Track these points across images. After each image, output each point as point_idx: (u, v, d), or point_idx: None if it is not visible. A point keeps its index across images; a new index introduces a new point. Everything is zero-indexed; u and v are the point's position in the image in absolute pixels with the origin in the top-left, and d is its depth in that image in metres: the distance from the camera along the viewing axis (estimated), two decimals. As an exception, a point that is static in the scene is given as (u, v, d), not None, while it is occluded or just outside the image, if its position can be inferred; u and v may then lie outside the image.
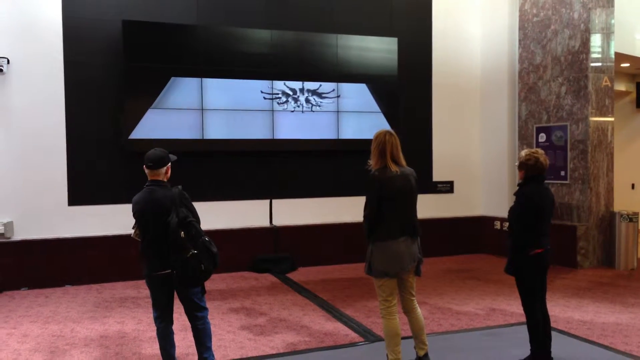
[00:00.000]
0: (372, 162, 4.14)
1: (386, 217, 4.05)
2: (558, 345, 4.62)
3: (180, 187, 4.02)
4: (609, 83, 8.42)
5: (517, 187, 4.42)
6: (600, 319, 5.74)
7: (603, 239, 8.46)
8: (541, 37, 8.91)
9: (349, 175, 8.82)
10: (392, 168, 4.04)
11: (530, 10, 9.07)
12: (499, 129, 9.69)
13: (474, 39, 9.96)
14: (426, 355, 4.22)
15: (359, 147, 8.31)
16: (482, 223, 9.87)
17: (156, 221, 3.90)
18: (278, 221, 8.73)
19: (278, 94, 8.48)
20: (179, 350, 4.68)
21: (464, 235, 9.76)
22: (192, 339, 4.25)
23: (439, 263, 8.83)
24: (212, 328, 4.39)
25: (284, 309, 6.26)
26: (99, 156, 7.82)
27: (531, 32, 9.06)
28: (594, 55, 8.31)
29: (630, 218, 8.26)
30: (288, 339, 5.17)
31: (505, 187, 9.52)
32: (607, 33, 8.37)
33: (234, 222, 8.43)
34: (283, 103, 8.51)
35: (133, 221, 4.05)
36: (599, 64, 8.34)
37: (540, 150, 4.37)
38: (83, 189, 7.73)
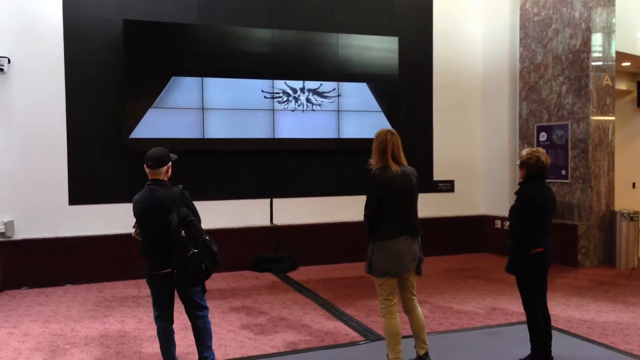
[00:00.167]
0: (373, 161, 4.14)
1: (387, 216, 4.05)
2: (558, 344, 4.61)
3: (181, 186, 4.02)
4: (610, 82, 8.41)
5: (518, 186, 4.41)
6: (601, 318, 5.74)
7: (604, 238, 8.46)
8: (542, 36, 8.90)
9: (350, 175, 8.82)
10: (393, 167, 4.04)
11: (531, 9, 9.06)
12: (500, 128, 9.68)
13: (475, 38, 9.95)
14: (426, 354, 4.22)
15: (359, 147, 8.30)
16: (483, 222, 9.87)
17: (157, 220, 3.90)
18: (278, 220, 8.73)
19: (279, 93, 8.48)
20: (179, 349, 4.68)
21: (465, 235, 9.75)
22: (192, 338, 4.25)
23: (439, 262, 8.83)
24: (213, 327, 4.39)
25: (285, 308, 6.26)
26: (99, 155, 7.82)
27: (532, 31, 9.05)
28: (595, 54, 8.30)
29: (631, 217, 8.26)
30: (288, 338, 5.17)
31: (506, 186, 9.52)
32: (608, 32, 8.36)
33: (235, 221, 8.43)
34: (284, 102, 8.50)
35: (134, 220, 4.05)
36: (600, 63, 8.33)
37: (541, 149, 4.36)
38: (84, 188, 7.73)
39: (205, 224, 4.18)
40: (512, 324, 5.57)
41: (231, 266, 8.09)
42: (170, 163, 4.10)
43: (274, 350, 4.86)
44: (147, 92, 7.81)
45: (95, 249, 7.67)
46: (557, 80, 8.70)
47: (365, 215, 4.12)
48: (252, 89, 8.33)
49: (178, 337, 4.64)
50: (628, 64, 9.96)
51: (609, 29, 8.36)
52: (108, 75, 7.83)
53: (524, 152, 4.36)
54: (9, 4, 7.39)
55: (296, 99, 8.57)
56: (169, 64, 7.92)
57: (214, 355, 4.19)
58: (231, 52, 8.25)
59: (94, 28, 7.75)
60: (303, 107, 8.61)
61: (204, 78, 8.07)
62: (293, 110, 8.56)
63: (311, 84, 8.64)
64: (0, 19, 7.34)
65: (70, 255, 7.55)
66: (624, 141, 10.99)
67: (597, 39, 8.31)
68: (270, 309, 6.21)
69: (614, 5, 8.39)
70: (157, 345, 4.35)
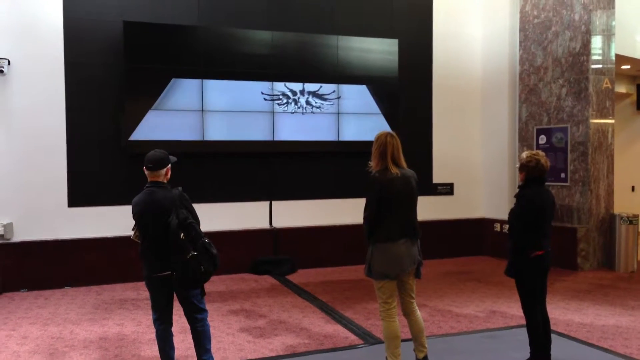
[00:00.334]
0: (372, 164, 4.14)
1: (386, 219, 4.04)
2: (558, 347, 4.61)
3: (180, 188, 4.02)
4: (609, 85, 8.42)
5: (518, 189, 4.41)
6: (600, 322, 5.73)
7: (603, 241, 8.45)
8: (542, 38, 8.91)
9: (349, 177, 8.82)
10: (393, 170, 4.04)
11: (530, 11, 9.07)
12: (500, 130, 9.68)
13: (475, 41, 9.96)
14: (426, 357, 4.22)
15: (359, 149, 8.31)
16: (482, 225, 9.86)
17: (156, 222, 3.89)
18: (278, 223, 8.72)
19: (278, 95, 8.48)
20: (178, 353, 4.67)
21: (464, 238, 9.75)
22: (191, 341, 4.25)
23: (439, 265, 8.82)
24: (212, 330, 4.38)
25: (284, 311, 6.25)
26: (99, 157, 7.81)
27: (532, 33, 9.06)
28: (594, 57, 8.30)
29: (631, 220, 8.25)
30: (287, 342, 5.17)
31: (505, 189, 9.52)
32: (608, 35, 8.37)
33: (234, 223, 8.42)
34: (283, 104, 8.50)
35: (133, 222, 4.04)
36: (600, 66, 8.34)
37: (541, 152, 4.36)
38: (83, 190, 7.72)
39: (205, 227, 4.17)
40: (512, 327, 5.56)
41: (230, 269, 8.08)
42: (169, 165, 4.09)
43: (273, 354, 4.85)
44: (146, 93, 7.81)
45: (94, 252, 7.65)
46: (556, 82, 8.70)
47: (364, 218, 4.12)
48: (251, 91, 8.33)
49: (177, 340, 4.63)
50: (628, 66, 9.98)
51: (609, 32, 8.37)
52: (108, 77, 7.82)
53: (524, 155, 4.36)
54: (9, 5, 7.39)
55: (296, 101, 8.57)
56: (169, 66, 7.92)
57: (212, 358, 4.18)
58: (231, 54, 8.25)
59: (94, 29, 7.75)
60: (303, 109, 8.60)
61: (203, 80, 8.07)
62: (293, 113, 8.55)
63: (311, 86, 8.64)
64: (0, 20, 7.34)
65: (69, 258, 7.54)
66: (624, 144, 11.00)
67: (596, 42, 8.32)
68: (269, 312, 6.20)
69: (613, 8, 8.40)
70: (156, 348, 4.34)
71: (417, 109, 9.54)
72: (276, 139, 8.48)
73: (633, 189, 11.33)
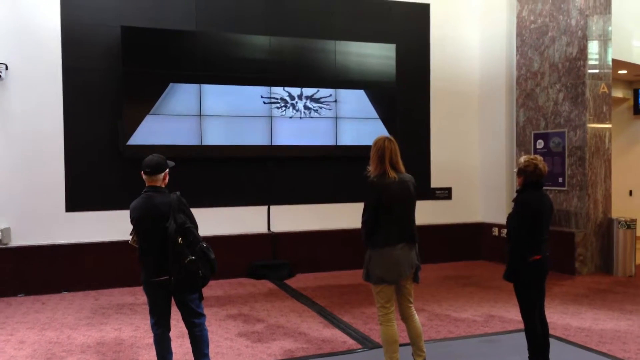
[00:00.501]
0: (371, 168, 4.15)
1: (384, 224, 4.05)
2: (556, 352, 4.61)
3: (178, 193, 4.01)
4: (606, 90, 8.44)
5: (516, 194, 4.41)
6: (599, 326, 5.73)
7: (601, 246, 8.46)
8: (539, 43, 8.94)
9: (347, 182, 8.82)
10: (391, 174, 4.04)
11: (527, 17, 9.10)
12: (497, 135, 9.70)
13: (472, 46, 9.99)
14: (424, 362, 4.22)
15: (357, 153, 8.31)
16: (480, 229, 9.87)
17: (154, 227, 3.88)
18: (276, 227, 8.72)
19: (276, 100, 8.49)
20: (176, 357, 4.64)
21: (462, 242, 9.75)
22: (189, 345, 4.24)
23: (437, 270, 8.82)
24: (210, 335, 4.37)
25: (282, 315, 6.25)
26: (97, 162, 7.81)
27: (529, 38, 9.09)
28: (591, 62, 8.33)
29: (628, 225, 8.27)
30: (286, 346, 5.16)
31: (503, 193, 9.53)
32: (605, 40, 8.40)
33: (232, 228, 8.41)
34: (281, 109, 8.51)
35: (131, 227, 4.03)
36: (597, 71, 8.37)
37: (539, 157, 4.37)
38: (81, 194, 7.71)
39: (203, 231, 4.17)
40: (510, 331, 5.56)
41: (228, 273, 8.07)
42: (167, 170, 4.09)
43: (271, 358, 4.84)
44: (144, 98, 7.81)
45: (92, 256, 7.64)
46: (553, 87, 8.73)
47: (362, 223, 4.12)
48: (249, 96, 8.33)
49: (175, 345, 4.62)
50: (624, 71, 10.02)
51: (606, 37, 8.41)
52: (106, 82, 7.83)
53: (522, 159, 4.36)
54: (7, 10, 7.39)
55: (294, 106, 8.58)
56: (167, 71, 7.93)
57: (210, 363, 4.17)
58: (229, 58, 8.27)
59: (92, 34, 7.76)
60: (300, 114, 8.61)
61: (201, 85, 8.08)
62: (291, 117, 8.56)
63: (309, 91, 8.65)
64: (-2, 26, 7.36)
65: (66, 262, 7.52)
66: (621, 148, 11.04)
67: (593, 47, 8.35)
68: (267, 317, 6.19)
69: (610, 13, 8.44)
70: (153, 353, 4.33)
71: (414, 113, 9.56)
72: (274, 143, 8.48)
73: (630, 193, 11.36)
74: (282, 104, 8.52)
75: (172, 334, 4.20)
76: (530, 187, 4.29)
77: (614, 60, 8.61)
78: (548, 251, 4.30)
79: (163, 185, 4.06)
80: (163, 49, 7.92)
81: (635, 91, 11.15)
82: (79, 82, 7.71)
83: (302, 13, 8.87)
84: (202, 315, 4.12)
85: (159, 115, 7.86)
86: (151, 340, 4.46)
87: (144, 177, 4.04)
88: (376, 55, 9.01)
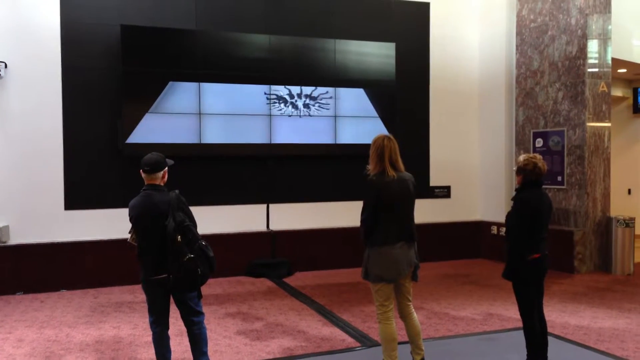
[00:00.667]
0: (370, 167, 4.14)
1: (383, 222, 4.05)
2: (554, 350, 4.61)
3: (177, 191, 4.01)
4: (605, 89, 8.45)
5: (515, 192, 4.42)
6: (597, 325, 5.74)
7: (600, 244, 8.47)
8: (538, 42, 8.94)
9: (346, 180, 8.82)
10: (390, 173, 4.04)
11: (527, 16, 9.10)
12: (497, 134, 9.71)
13: (472, 45, 9.99)
14: (423, 360, 4.22)
15: (356, 152, 8.31)
16: (479, 228, 9.87)
17: (153, 225, 3.89)
18: (275, 226, 8.72)
19: (276, 98, 8.48)
20: (174, 356, 4.66)
21: (461, 240, 9.75)
22: (188, 344, 4.24)
23: (436, 268, 8.82)
24: (208, 333, 4.37)
25: (281, 313, 6.25)
26: (96, 160, 7.80)
27: (528, 37, 9.09)
28: (591, 61, 8.34)
29: (627, 223, 8.28)
30: (285, 344, 5.16)
31: (502, 192, 9.53)
32: (604, 39, 8.41)
33: (231, 226, 8.41)
34: (281, 108, 8.51)
35: (129, 226, 4.03)
36: (596, 70, 8.37)
37: (538, 156, 4.37)
38: (80, 193, 7.71)
39: (202, 229, 4.17)
40: (509, 330, 5.56)
41: (227, 271, 8.07)
42: (166, 168, 4.09)
43: (270, 356, 4.84)
44: (144, 97, 7.81)
45: (90, 254, 7.64)
46: (553, 86, 8.73)
47: (362, 221, 4.12)
48: (249, 94, 8.33)
49: (173, 343, 4.63)
50: (624, 70, 10.02)
51: (605, 36, 8.41)
52: (105, 80, 7.82)
53: (521, 158, 4.36)
54: (7, 8, 7.38)
55: (293, 105, 8.58)
56: (166, 69, 7.92)
57: (209, 361, 4.18)
58: (228, 57, 8.26)
59: (92, 33, 7.75)
60: (300, 112, 8.61)
61: (201, 83, 8.08)
62: (290, 116, 8.56)
63: (308, 90, 8.64)
64: (-3, 24, 7.35)
65: (65, 261, 7.52)
66: (620, 147, 11.05)
67: (593, 46, 8.35)
68: (266, 315, 6.19)
69: (610, 12, 8.44)
70: (152, 351, 4.33)
71: (414, 112, 9.56)
72: (273, 142, 8.48)
73: (629, 192, 11.37)
74: (282, 103, 8.51)
75: (170, 332, 4.20)
76: (530, 185, 4.29)
77: (613, 59, 8.61)
78: (547, 250, 4.31)
79: (162, 184, 4.06)
80: (163, 48, 7.91)
81: (635, 90, 11.16)
82: (78, 80, 7.70)
83: (302, 12, 8.86)
84: (201, 314, 4.12)
85: (159, 113, 7.86)
86: (150, 339, 4.47)
87: (143, 175, 4.04)
88: (376, 54, 9.00)
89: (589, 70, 8.32)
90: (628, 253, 8.28)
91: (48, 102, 7.57)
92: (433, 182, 9.73)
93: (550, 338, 4.57)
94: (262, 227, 8.67)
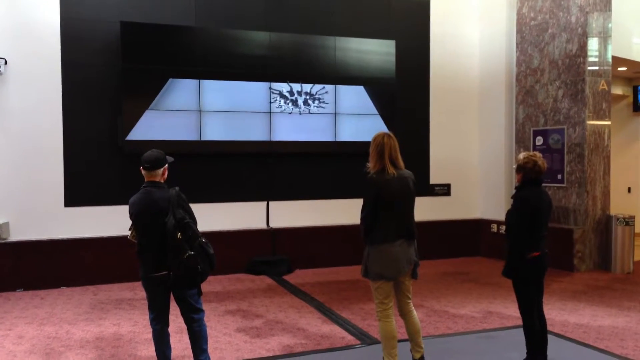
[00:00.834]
0: (370, 165, 4.14)
1: (383, 220, 4.05)
2: (554, 348, 4.62)
3: (177, 188, 4.01)
4: (606, 87, 8.44)
5: (515, 190, 4.42)
6: (597, 323, 5.75)
7: (599, 243, 8.48)
8: (539, 40, 8.93)
9: (347, 178, 8.82)
10: (390, 171, 4.04)
11: (527, 13, 9.09)
12: (497, 131, 9.70)
13: (472, 42, 9.98)
14: (422, 358, 4.23)
15: (356, 150, 8.32)
16: (479, 226, 9.88)
17: (153, 222, 3.89)
18: (275, 223, 8.72)
19: (276, 95, 8.48)
20: (174, 353, 4.66)
21: (461, 238, 9.76)
22: (188, 341, 4.25)
23: (435, 266, 8.83)
24: (208, 330, 4.38)
25: (281, 311, 6.25)
26: (96, 157, 7.80)
27: (529, 35, 9.08)
28: (591, 59, 8.33)
29: (627, 221, 8.28)
30: (284, 342, 5.17)
31: (502, 190, 9.54)
32: (605, 37, 8.40)
33: (231, 223, 8.41)
34: (281, 105, 8.50)
35: (129, 222, 4.03)
36: (596, 68, 8.37)
37: (538, 154, 4.37)
38: (80, 190, 7.71)
39: (202, 227, 4.17)
40: (508, 328, 5.57)
41: (227, 269, 8.07)
42: (166, 165, 4.09)
43: (270, 354, 4.85)
44: (144, 94, 7.80)
45: (90, 251, 7.64)
46: (553, 84, 8.73)
47: (361, 219, 4.12)
48: (249, 92, 8.32)
49: (173, 340, 4.63)
50: (624, 68, 10.01)
51: (605, 34, 8.40)
52: (105, 77, 7.81)
53: (521, 156, 4.37)
54: (6, 5, 7.37)
55: (293, 102, 8.57)
56: (166, 66, 7.91)
57: (209, 358, 4.18)
58: (228, 54, 8.25)
59: (91, 30, 7.73)
60: (300, 109, 8.61)
61: (201, 80, 8.07)
62: (290, 113, 8.55)
63: (308, 87, 8.64)
64: (-3, 20, 7.34)
65: (65, 258, 7.52)
66: (620, 146, 11.04)
67: (593, 44, 8.35)
68: (266, 312, 6.19)
69: (610, 10, 8.43)
70: (152, 348, 4.33)
71: (414, 110, 9.56)
72: (273, 139, 8.47)
73: (629, 190, 11.37)
74: (282, 100, 8.50)
75: (170, 329, 4.21)
76: (530, 183, 4.29)
77: (613, 57, 8.60)
78: (547, 248, 4.31)
79: (162, 181, 4.06)
80: (162, 45, 7.90)
81: (635, 88, 11.15)
82: (78, 77, 7.69)
83: (302, 9, 8.85)
84: (201, 311, 4.13)
85: (159, 110, 7.85)
86: (150, 336, 4.47)
87: (143, 172, 4.04)
88: (376, 51, 8.99)
89: (589, 68, 8.32)
90: (628, 251, 8.28)
91: (48, 99, 7.56)
92: (433, 179, 9.74)
93: (549, 336, 4.58)
94: (262, 225, 8.67)
